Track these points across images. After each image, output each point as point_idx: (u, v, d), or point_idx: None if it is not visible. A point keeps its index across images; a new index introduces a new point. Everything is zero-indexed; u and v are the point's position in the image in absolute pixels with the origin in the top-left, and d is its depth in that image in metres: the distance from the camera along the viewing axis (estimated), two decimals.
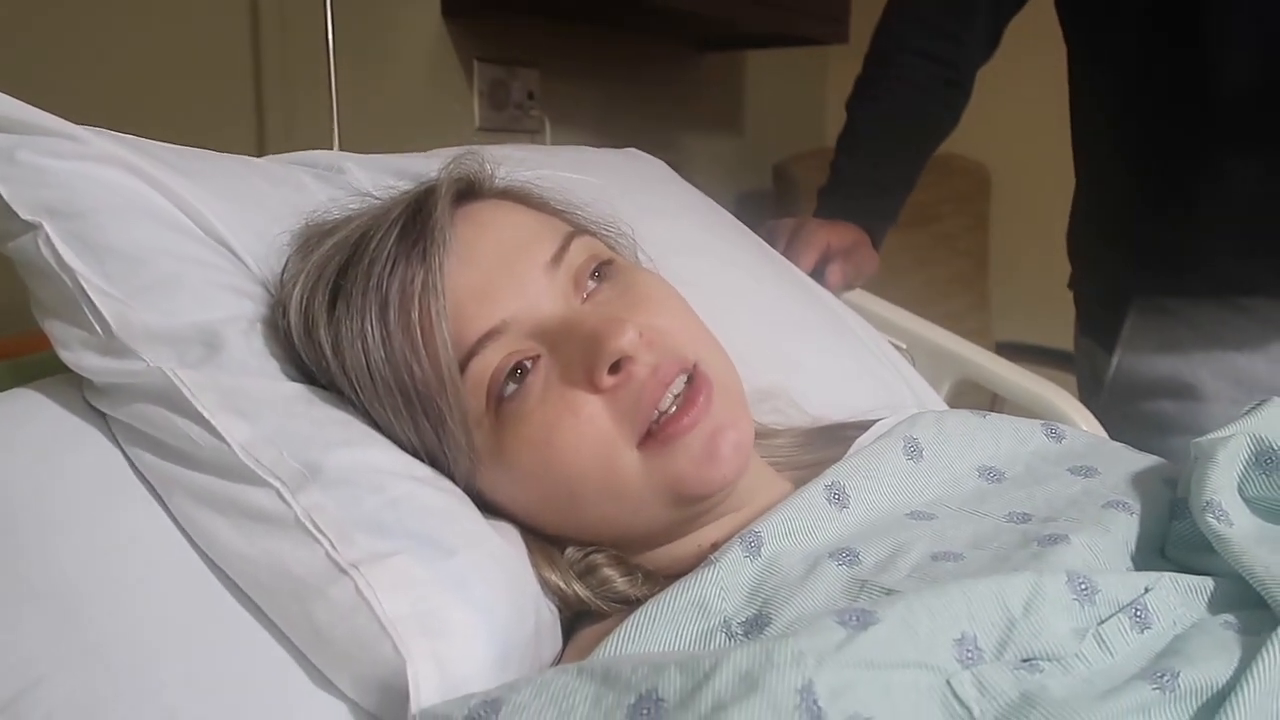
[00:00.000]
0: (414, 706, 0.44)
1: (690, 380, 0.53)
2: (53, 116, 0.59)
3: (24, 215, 0.55)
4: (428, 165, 0.73)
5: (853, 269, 1.03)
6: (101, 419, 0.56)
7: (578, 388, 0.51)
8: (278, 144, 1.21)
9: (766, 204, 1.89)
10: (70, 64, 1.03)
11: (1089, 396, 1.10)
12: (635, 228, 0.67)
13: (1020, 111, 1.80)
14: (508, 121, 1.51)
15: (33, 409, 0.56)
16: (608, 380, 0.51)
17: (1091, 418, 0.86)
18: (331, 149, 1.05)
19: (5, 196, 0.56)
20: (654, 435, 0.51)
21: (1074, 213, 1.13)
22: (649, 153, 1.03)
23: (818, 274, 1.00)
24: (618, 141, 1.05)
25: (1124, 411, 1.01)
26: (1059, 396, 0.87)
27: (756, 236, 0.99)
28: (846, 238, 1.05)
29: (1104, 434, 0.84)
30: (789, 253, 1.01)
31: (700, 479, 0.52)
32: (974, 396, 1.00)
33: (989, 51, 1.12)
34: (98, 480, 0.53)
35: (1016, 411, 0.80)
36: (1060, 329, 1.59)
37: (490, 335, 0.52)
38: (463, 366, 0.52)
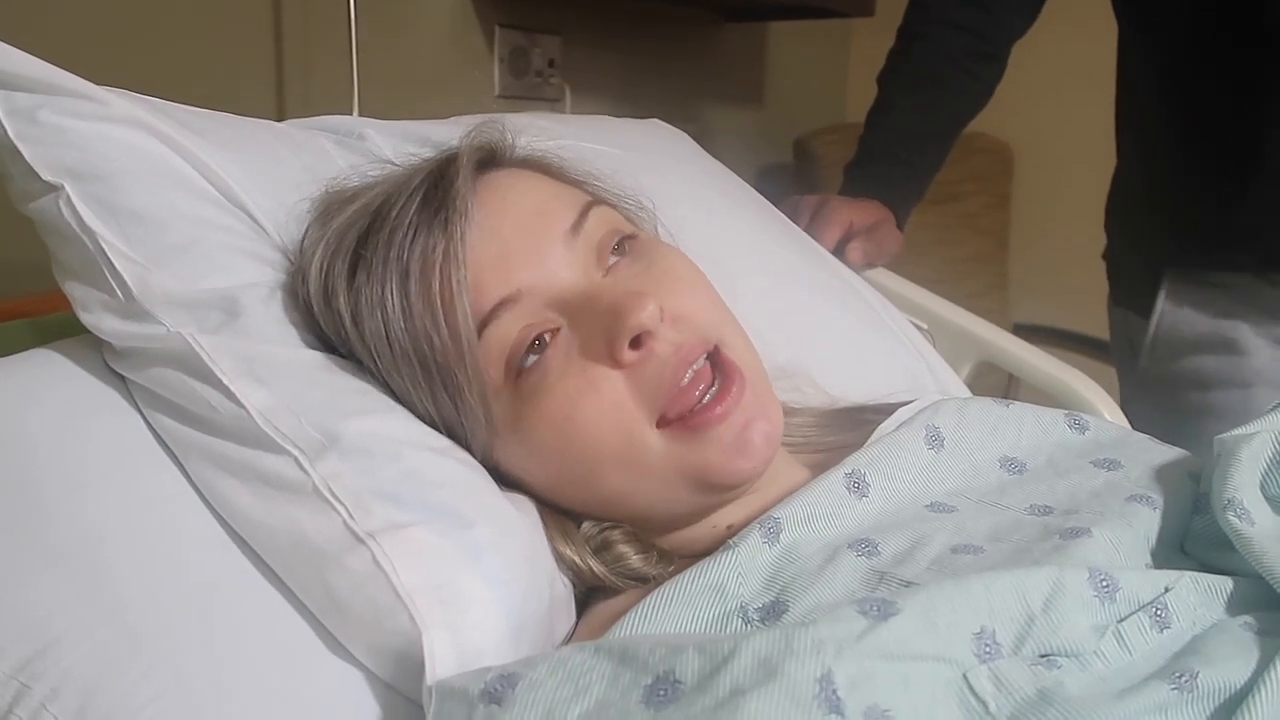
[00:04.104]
0: (429, 677, 0.44)
1: (717, 366, 0.52)
2: (75, 77, 0.58)
3: (45, 176, 0.55)
4: (449, 133, 0.72)
5: (874, 248, 1.02)
6: (122, 382, 0.56)
7: (598, 362, 0.51)
8: (297, 108, 1.21)
9: (787, 179, 1.87)
10: (92, 25, 1.02)
11: (1125, 365, 1.09)
12: (656, 200, 0.66)
13: (1047, 91, 1.77)
14: (528, 89, 1.50)
15: (55, 369, 0.56)
16: (629, 355, 0.50)
17: (1114, 405, 0.85)
18: (351, 114, 1.04)
19: (27, 157, 0.55)
20: (684, 421, 0.51)
21: (1115, 182, 1.11)
22: (669, 123, 1.02)
23: (839, 252, 1.00)
24: (637, 111, 1.04)
25: (1163, 371, 1.01)
26: (1081, 382, 0.87)
27: (778, 212, 0.98)
28: (870, 216, 1.04)
29: (1126, 422, 0.83)
30: (811, 229, 1.00)
31: (729, 470, 0.52)
32: (992, 378, 0.99)
33: (1026, 23, 1.09)
34: (120, 443, 0.54)
35: (1038, 397, 0.79)
36: (1079, 312, 1.57)
37: (505, 303, 0.52)
38: (479, 333, 0.52)
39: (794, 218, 1.00)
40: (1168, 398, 0.99)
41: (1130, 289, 1.08)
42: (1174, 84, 0.97)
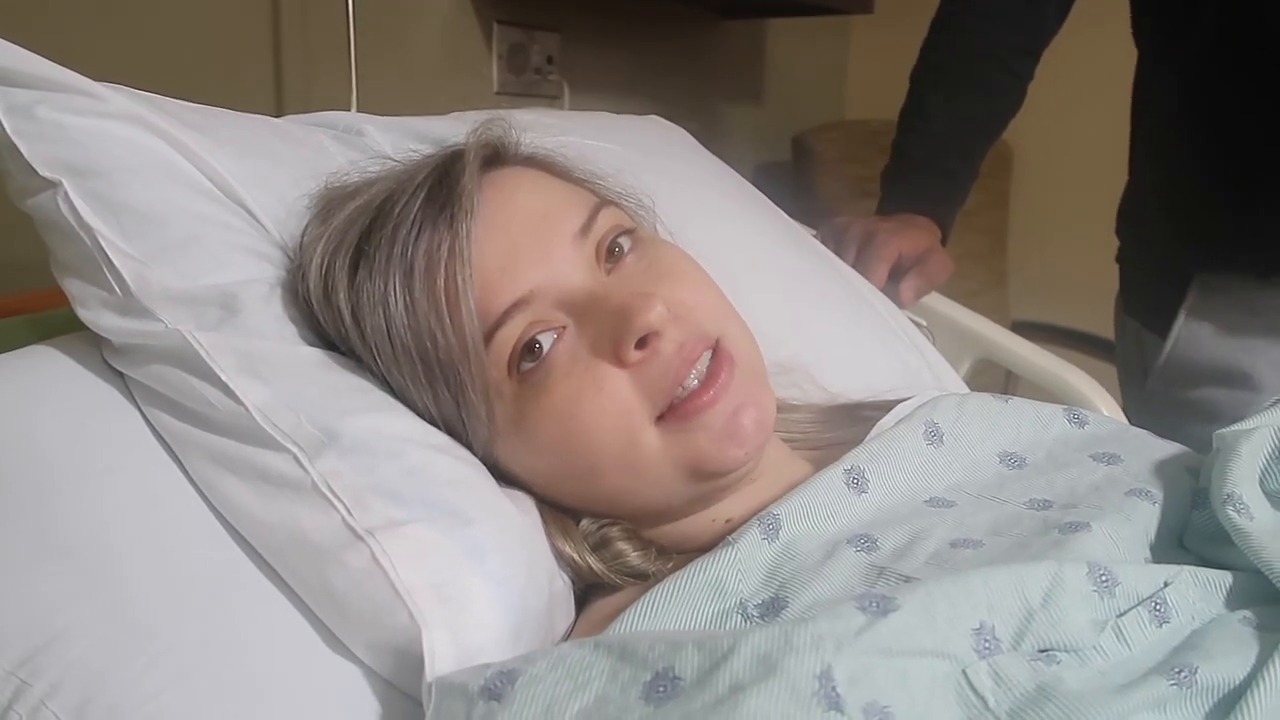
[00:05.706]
0: (429, 675, 0.44)
1: (712, 356, 0.52)
2: (73, 73, 0.58)
3: (43, 172, 0.55)
4: (447, 129, 0.72)
5: (924, 281, 0.98)
6: (121, 379, 0.56)
7: (603, 361, 0.51)
8: (296, 104, 1.21)
9: (786, 175, 1.88)
10: (90, 21, 1.02)
11: (1130, 379, 1.06)
12: (656, 196, 0.66)
13: (1046, 89, 1.77)
14: (526, 86, 1.50)
15: (54, 366, 0.56)
16: (634, 355, 0.50)
17: (1113, 401, 0.85)
18: (350, 110, 1.04)
19: (25, 153, 0.55)
20: (674, 410, 0.51)
21: (1130, 185, 1.06)
22: (668, 120, 1.02)
23: (889, 289, 0.96)
24: (636, 108, 1.04)
25: (1171, 397, 0.97)
26: (1079, 379, 0.87)
27: (777, 208, 0.98)
28: (919, 244, 0.98)
29: (1124, 418, 0.83)
30: (859, 264, 0.96)
31: (721, 456, 0.52)
32: (991, 375, 0.99)
33: (1058, 23, 1.05)
34: (120, 439, 0.53)
35: (1036, 393, 0.79)
36: (1077, 309, 1.57)
37: (517, 305, 0.52)
38: (488, 337, 0.52)
39: (838, 251, 0.97)
40: (1173, 423, 0.92)
41: (1146, 303, 1.03)
42: (1197, 102, 0.92)
